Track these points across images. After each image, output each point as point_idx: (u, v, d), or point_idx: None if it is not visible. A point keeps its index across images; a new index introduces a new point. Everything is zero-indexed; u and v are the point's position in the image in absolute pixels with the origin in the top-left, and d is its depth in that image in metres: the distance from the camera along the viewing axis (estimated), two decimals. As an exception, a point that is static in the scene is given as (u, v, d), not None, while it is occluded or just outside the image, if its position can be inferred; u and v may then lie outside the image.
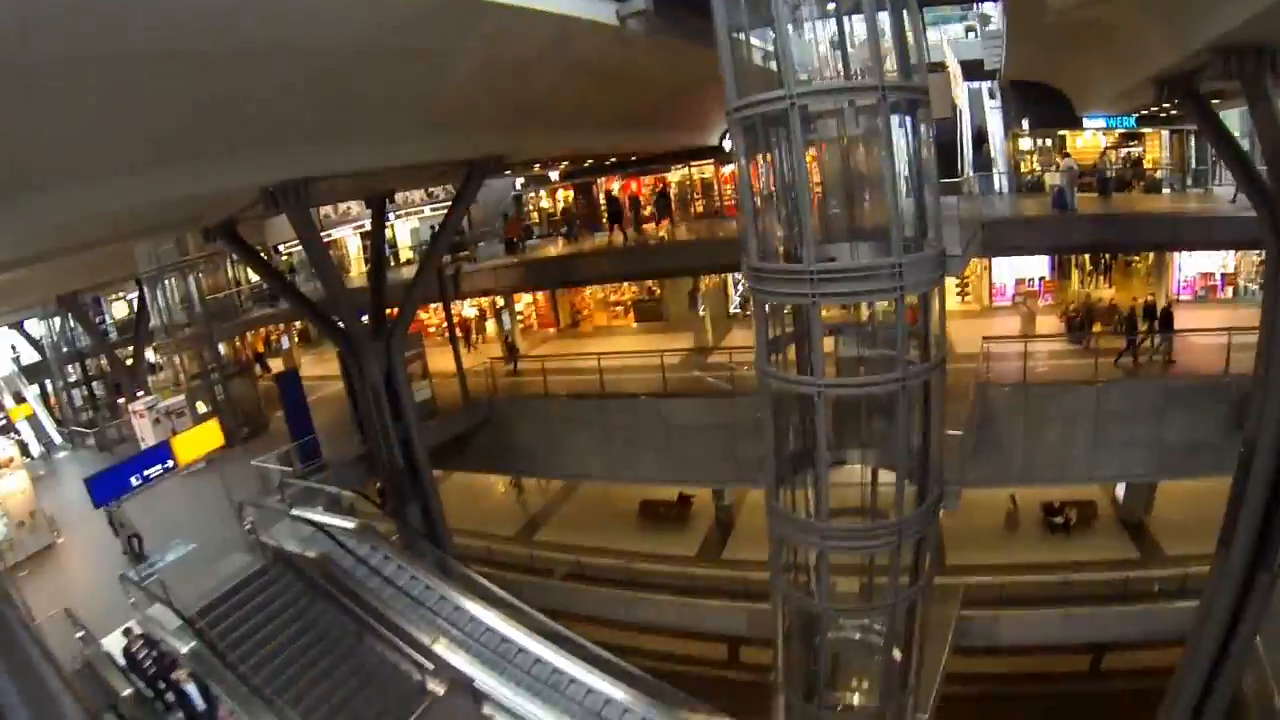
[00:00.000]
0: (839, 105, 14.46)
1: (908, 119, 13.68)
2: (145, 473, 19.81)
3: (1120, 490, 28.56)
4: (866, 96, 13.44)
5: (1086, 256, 34.21)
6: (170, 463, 20.27)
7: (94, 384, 46.70)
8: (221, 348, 32.43)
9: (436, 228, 43.32)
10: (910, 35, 13.53)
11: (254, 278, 37.77)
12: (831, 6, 14.97)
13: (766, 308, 15.12)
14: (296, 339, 48.73)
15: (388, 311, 23.45)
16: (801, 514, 15.84)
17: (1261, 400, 18.60)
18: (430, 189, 45.15)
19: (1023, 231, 28.81)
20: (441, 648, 15.72)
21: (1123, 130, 37.62)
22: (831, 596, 15.76)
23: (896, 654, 16.59)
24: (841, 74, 14.99)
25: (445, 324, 31.51)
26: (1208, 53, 15.95)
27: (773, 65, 14.77)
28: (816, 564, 15.72)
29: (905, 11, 13.12)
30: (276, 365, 41.40)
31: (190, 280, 31.96)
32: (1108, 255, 34.34)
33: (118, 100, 11.75)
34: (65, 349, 46.36)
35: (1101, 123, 37.08)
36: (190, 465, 21.83)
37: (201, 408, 30.34)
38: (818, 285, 13.46)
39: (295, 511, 19.82)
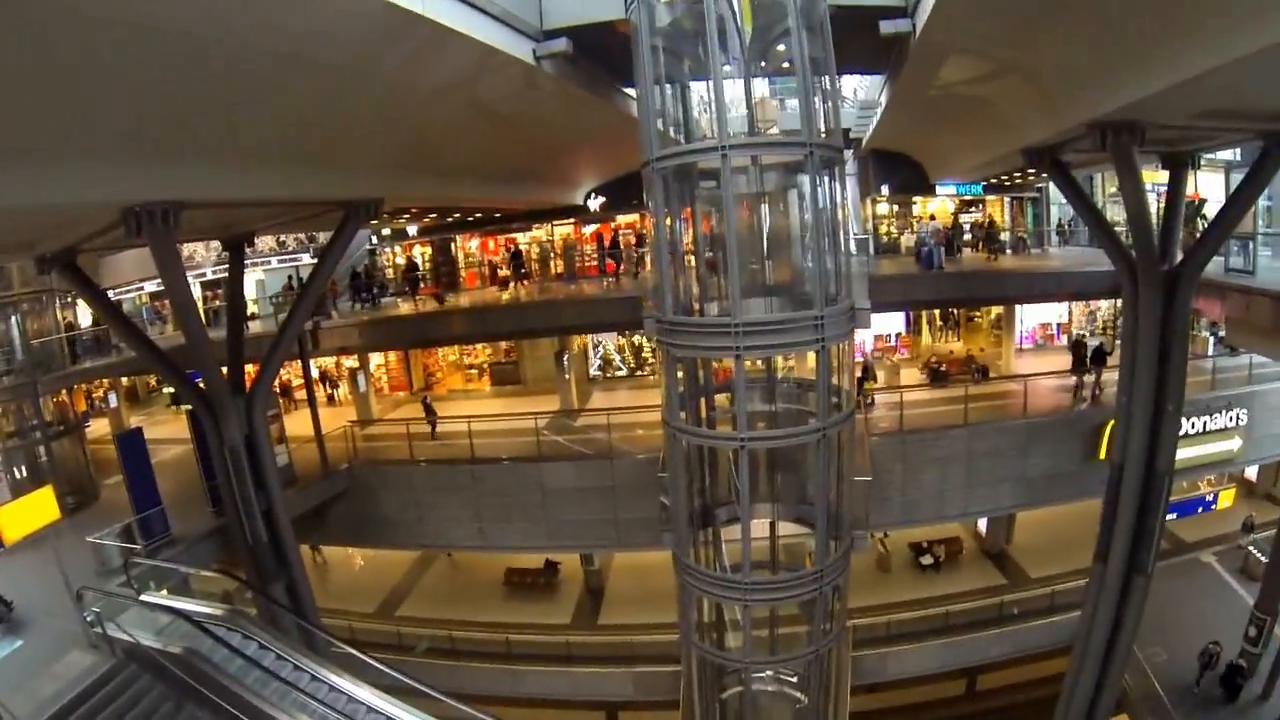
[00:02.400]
0: (753, 161, 15.02)
1: (826, 177, 14.02)
2: None
3: (982, 524, 30.46)
4: (794, 152, 14.10)
5: (936, 313, 37.18)
6: None
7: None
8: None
9: (291, 279, 41.42)
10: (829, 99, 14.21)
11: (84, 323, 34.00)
12: (761, 65, 15.85)
13: (677, 363, 15.22)
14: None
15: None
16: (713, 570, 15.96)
17: (1126, 427, 20.39)
18: (281, 238, 42.66)
19: (899, 287, 30.89)
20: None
21: (969, 197, 40.90)
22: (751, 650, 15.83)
23: (806, 698, 16.93)
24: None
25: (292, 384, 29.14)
26: (1082, 127, 16.91)
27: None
28: (739, 619, 15.65)
29: (827, 76, 13.90)
30: (101, 425, 37.48)
31: (13, 321, 28.27)
32: (955, 311, 37.36)
33: None
34: None
35: (952, 189, 40.12)
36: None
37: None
38: (743, 338, 13.45)
39: (148, 598, 17.38)
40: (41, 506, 17.59)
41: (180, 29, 10.72)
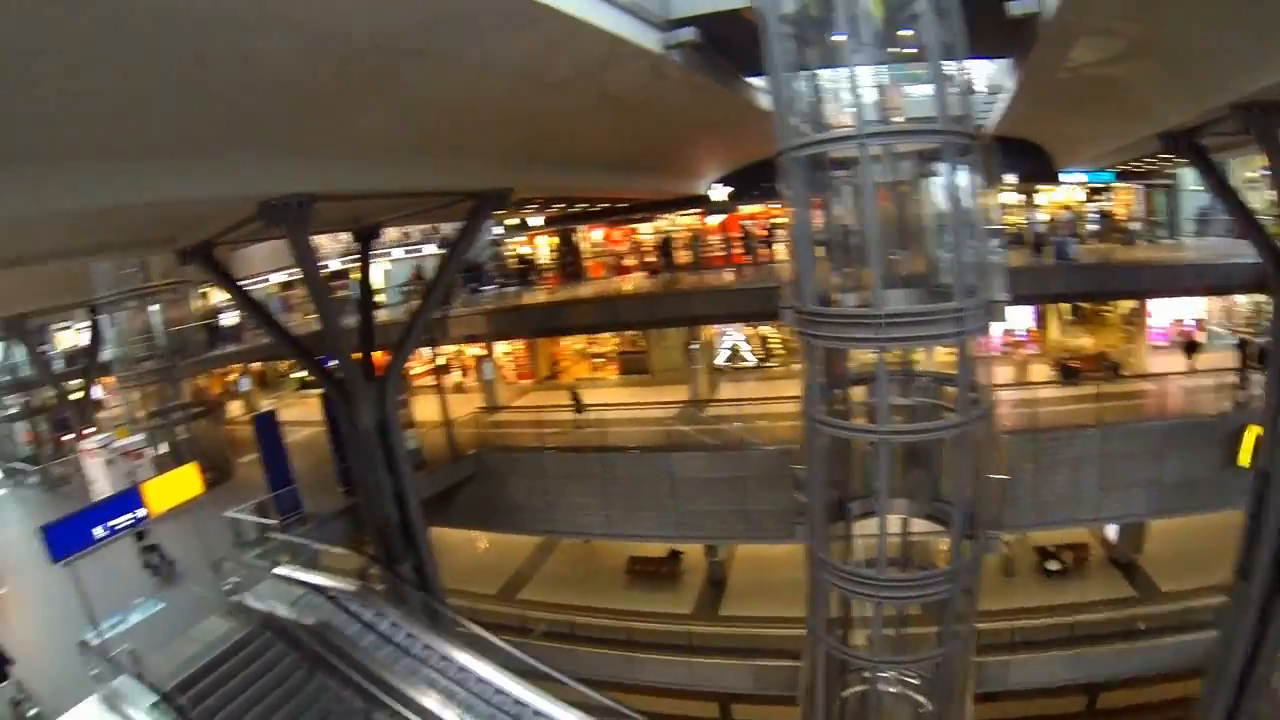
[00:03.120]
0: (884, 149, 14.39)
1: (962, 165, 13.51)
2: (110, 524, 16.55)
3: (1111, 531, 28.79)
4: (931, 139, 13.64)
5: (1065, 307, 35.45)
6: (141, 512, 17.14)
7: (38, 418, 43.49)
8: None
9: (418, 269, 42.01)
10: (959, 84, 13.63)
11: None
12: (890, 51, 14.72)
13: (816, 354, 14.87)
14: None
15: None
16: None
17: (1274, 433, 19.14)
18: (406, 229, 43.55)
19: (1028, 280, 29.34)
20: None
21: (1098, 184, 39.05)
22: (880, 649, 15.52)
23: (929, 702, 16.57)
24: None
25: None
26: (1225, 109, 16.11)
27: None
28: (868, 616, 15.48)
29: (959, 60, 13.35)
30: (234, 408, 39.01)
31: (153, 310, 29.70)
32: (1084, 305, 35.69)
33: (99, 74, 10.29)
34: (6, 378, 43.26)
35: (1081, 177, 38.28)
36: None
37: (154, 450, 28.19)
38: (885, 330, 13.16)
39: (283, 570, 18.10)
40: (186, 482, 18.09)
41: (325, 29, 11.02)
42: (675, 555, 30.15)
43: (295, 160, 15.34)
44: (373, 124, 15.28)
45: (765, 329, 35.58)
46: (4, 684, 15.19)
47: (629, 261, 39.95)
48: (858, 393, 16.28)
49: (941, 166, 13.94)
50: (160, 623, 17.44)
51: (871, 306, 13.27)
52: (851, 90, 13.19)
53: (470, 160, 19.66)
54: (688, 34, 16.01)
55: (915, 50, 13.98)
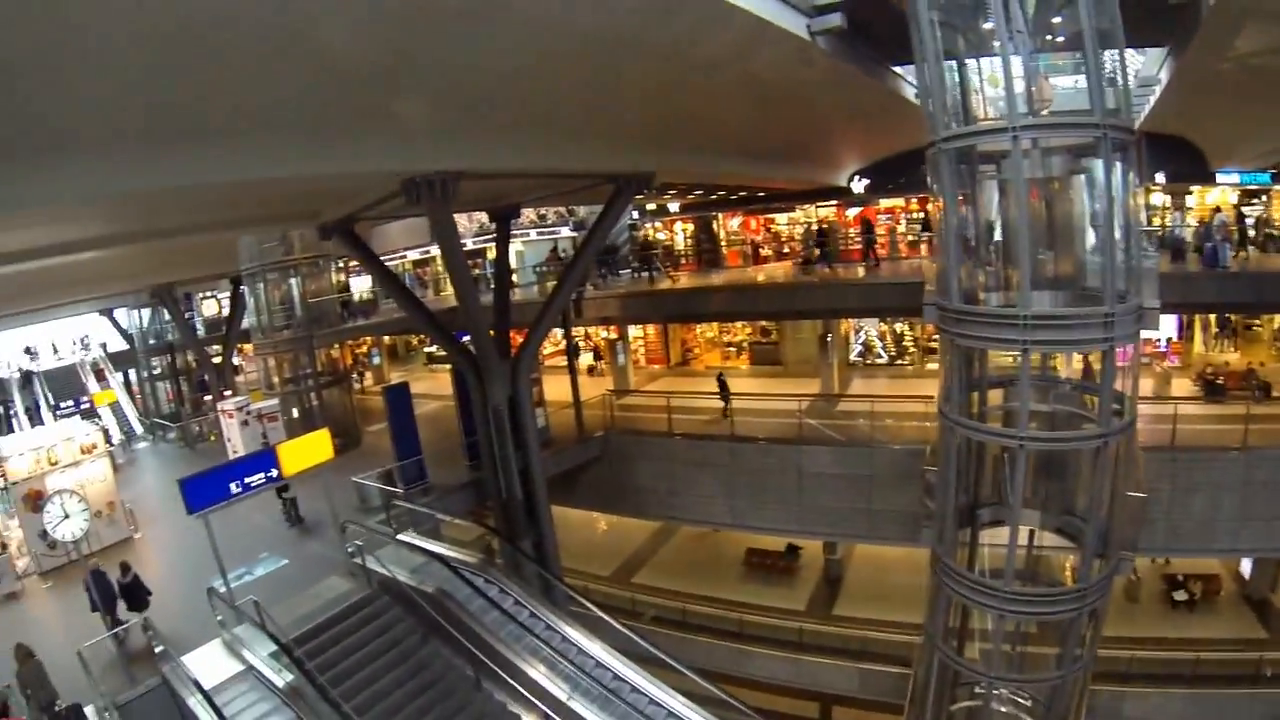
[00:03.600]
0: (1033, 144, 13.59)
1: (1117, 162, 12.89)
2: (246, 480, 17.29)
3: (1247, 565, 26.70)
4: (1086, 134, 13.04)
5: (1212, 318, 32.77)
6: (274, 472, 17.81)
7: (181, 379, 45.96)
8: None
9: (556, 248, 42.94)
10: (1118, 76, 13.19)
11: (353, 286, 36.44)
12: (1045, 40, 14.63)
13: (957, 353, 14.42)
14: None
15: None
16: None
17: None
18: (541, 211, 44.07)
19: (1176, 287, 26.76)
20: (580, 707, 13.70)
21: (1253, 186, 36.51)
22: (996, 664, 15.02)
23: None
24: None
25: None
26: None
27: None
28: (989, 628, 15.06)
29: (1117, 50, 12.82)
30: (366, 380, 40.40)
31: (293, 281, 30.97)
32: (1233, 317, 32.89)
33: (278, 56, 10.72)
34: (153, 341, 45.71)
35: (1235, 178, 35.81)
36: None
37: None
38: (1030, 332, 12.76)
39: (410, 538, 18.56)
40: (319, 446, 18.68)
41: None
42: (794, 550, 29.90)
43: (443, 139, 15.67)
44: (522, 105, 15.41)
45: (899, 325, 34.83)
46: (144, 612, 16.22)
47: (766, 251, 39.36)
48: (994, 396, 15.83)
49: (1094, 163, 13.36)
50: (284, 578, 18.27)
51: (1017, 307, 12.86)
52: (1004, 81, 12.71)
53: (615, 143, 19.82)
54: (834, 20, 15.70)
55: (1067, 39, 13.77)
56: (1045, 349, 13.89)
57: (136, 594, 16.81)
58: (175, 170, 12.15)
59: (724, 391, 28.22)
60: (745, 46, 15.31)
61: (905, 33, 14.32)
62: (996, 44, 14.18)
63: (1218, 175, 35.57)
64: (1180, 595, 25.84)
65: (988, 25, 14.31)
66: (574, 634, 15.53)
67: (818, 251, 34.03)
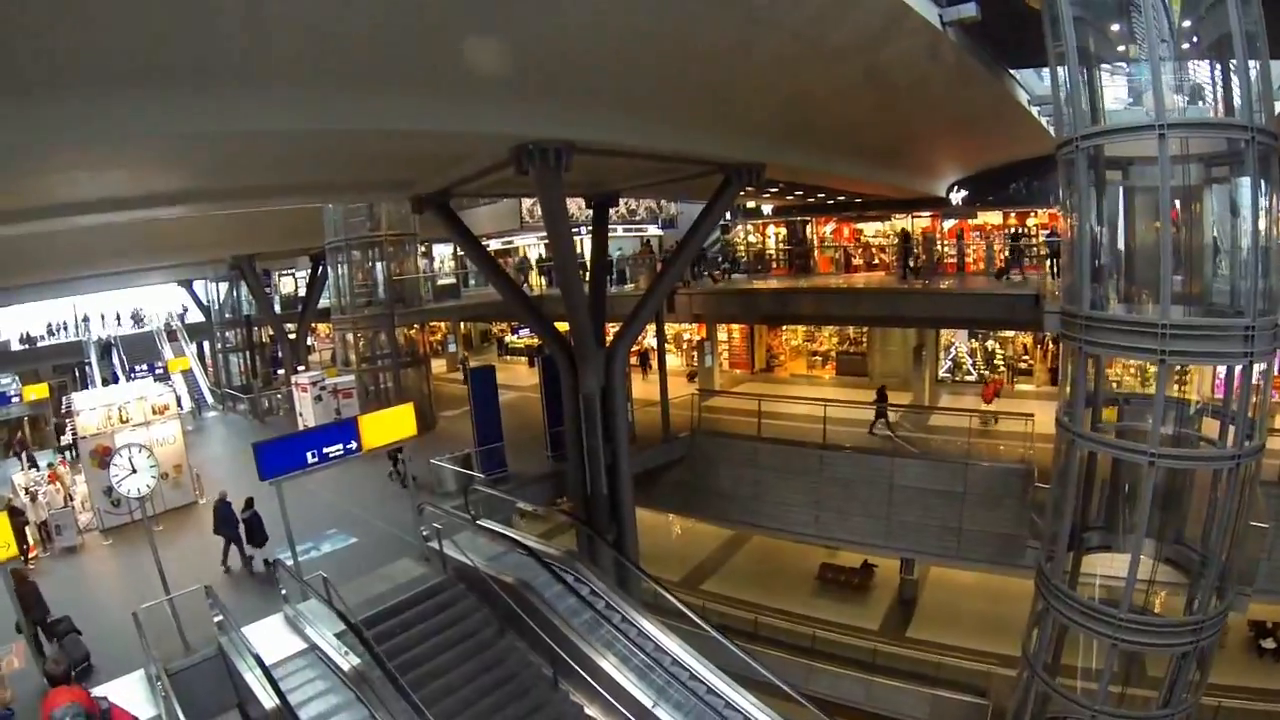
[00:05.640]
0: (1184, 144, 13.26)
1: (1262, 169, 12.72)
2: (324, 450, 16.47)
3: None
4: (1235, 136, 12.94)
5: None
6: (354, 444, 16.96)
7: (253, 353, 47.07)
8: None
9: (647, 241, 43.33)
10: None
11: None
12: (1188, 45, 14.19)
13: (1083, 364, 14.26)
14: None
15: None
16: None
17: None
18: (631, 205, 44.09)
19: None
20: (666, 716, 13.09)
21: None
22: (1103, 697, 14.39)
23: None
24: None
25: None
26: None
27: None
28: (1096, 657, 14.59)
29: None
30: (439, 366, 40.76)
31: (375, 256, 31.40)
32: None
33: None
34: (229, 314, 46.85)
35: None
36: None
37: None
38: (1169, 342, 12.49)
39: (492, 524, 18.18)
40: (403, 421, 18.41)
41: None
42: (868, 567, 29.41)
43: (561, 106, 15.38)
44: (636, 78, 15.11)
45: (990, 343, 34.27)
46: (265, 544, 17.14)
47: (858, 260, 38.94)
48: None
49: (1233, 171, 13.34)
50: (353, 557, 17.99)
51: (1156, 315, 12.64)
52: (1153, 78, 12.56)
53: (730, 130, 19.58)
54: (969, 9, 15.25)
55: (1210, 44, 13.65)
56: (1182, 360, 13.43)
57: (256, 529, 17.20)
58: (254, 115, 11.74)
59: (882, 403, 27.60)
60: (878, 32, 15.02)
61: (1025, 34, 14.85)
62: (1132, 46, 14.47)
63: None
64: (1268, 644, 24.34)
65: (1118, 27, 14.35)
66: (665, 640, 14.80)
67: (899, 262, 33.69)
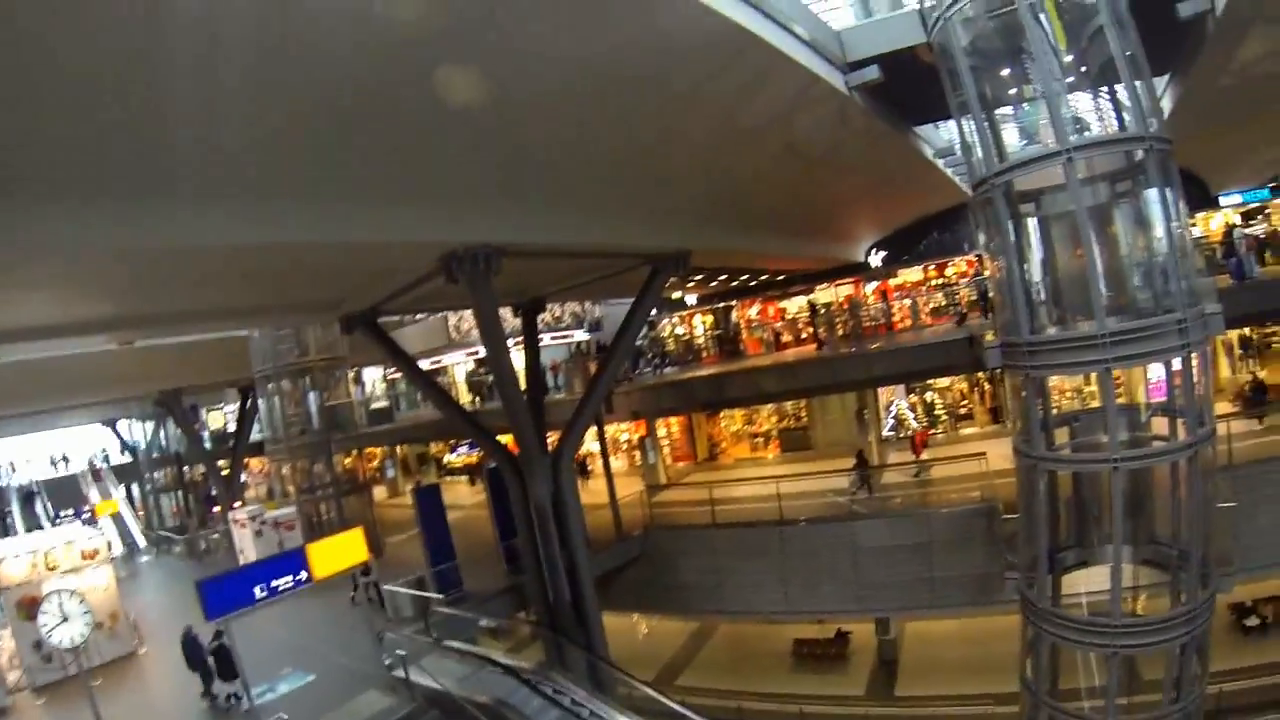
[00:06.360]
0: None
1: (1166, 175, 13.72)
2: (272, 584, 16.01)
3: None
4: (1136, 145, 13.75)
5: (1235, 338, 32.01)
6: (303, 574, 16.59)
7: (186, 492, 46.00)
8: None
9: (581, 345, 43.69)
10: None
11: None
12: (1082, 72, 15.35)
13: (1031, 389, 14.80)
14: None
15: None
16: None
17: None
18: (556, 313, 44.52)
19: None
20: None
21: (1253, 205, 36.91)
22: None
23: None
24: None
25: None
26: None
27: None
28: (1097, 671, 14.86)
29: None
30: (379, 492, 40.12)
31: (306, 384, 30.98)
32: (1254, 336, 32.56)
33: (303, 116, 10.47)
34: (157, 453, 45.90)
35: (1236, 199, 36.44)
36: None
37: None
38: (1111, 349, 13.10)
39: (461, 645, 17.88)
40: (352, 547, 17.93)
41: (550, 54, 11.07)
42: (843, 635, 29.21)
43: (486, 209, 15.57)
44: (571, 176, 15.57)
45: (929, 395, 34.80)
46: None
47: (786, 337, 39.45)
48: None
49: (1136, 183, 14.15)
50: (313, 695, 16.95)
51: (1095, 327, 13.15)
52: (1051, 110, 13.40)
53: (655, 218, 19.94)
54: (871, 73, 16.15)
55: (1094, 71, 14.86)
56: (1126, 364, 14.01)
57: (227, 661, 16.33)
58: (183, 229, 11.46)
59: (863, 468, 27.50)
60: (791, 103, 15.71)
61: (923, 92, 15.62)
62: (1023, 88, 15.55)
63: (1220, 199, 36.21)
64: (1253, 621, 24.55)
65: (1009, 71, 15.22)
66: None
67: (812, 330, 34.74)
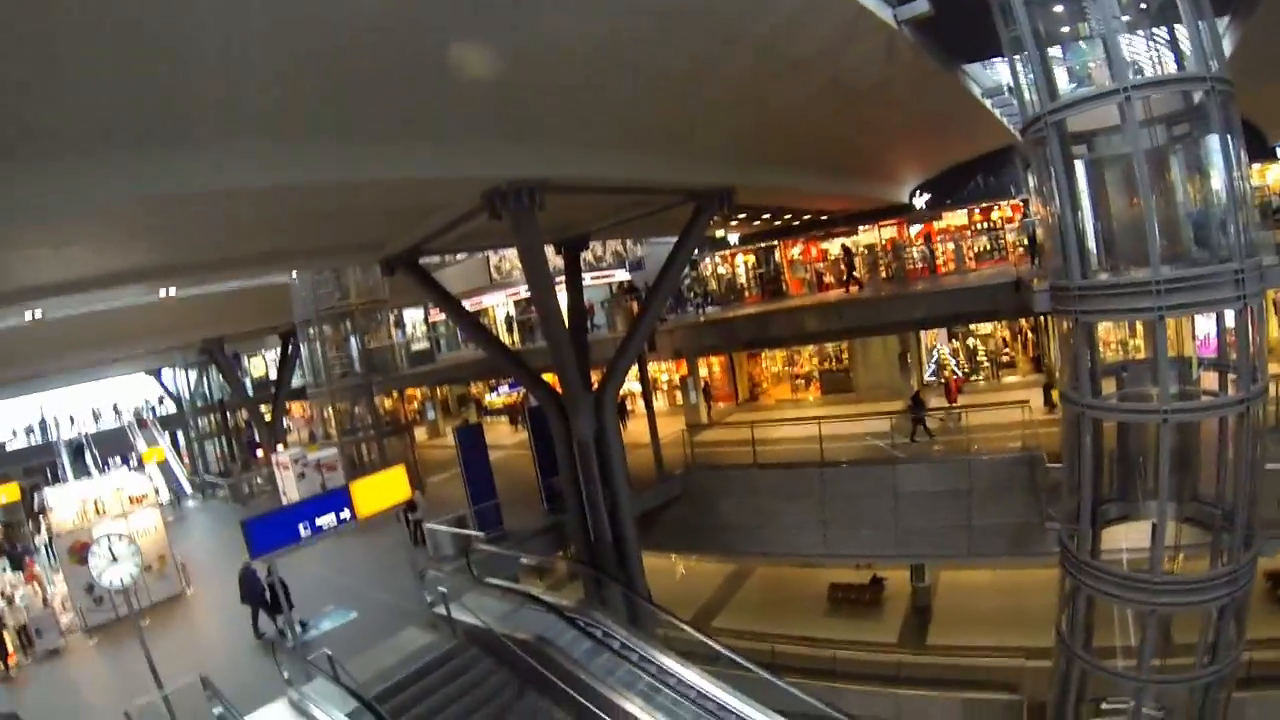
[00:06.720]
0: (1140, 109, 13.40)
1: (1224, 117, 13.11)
2: (316, 522, 16.46)
3: None
4: (1196, 86, 13.25)
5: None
6: (346, 513, 16.94)
7: (229, 438, 46.79)
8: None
9: (624, 283, 43.44)
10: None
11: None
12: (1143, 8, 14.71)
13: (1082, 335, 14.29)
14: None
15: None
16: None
17: None
18: (598, 253, 44.39)
19: None
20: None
21: None
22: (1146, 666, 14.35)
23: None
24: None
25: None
26: None
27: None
28: (1137, 626, 14.52)
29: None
30: (419, 435, 40.47)
31: (348, 327, 31.33)
32: None
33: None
34: (200, 402, 46.57)
35: None
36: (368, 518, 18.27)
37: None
38: (1165, 297, 12.72)
39: (502, 582, 17.95)
40: (395, 485, 18.11)
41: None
42: (878, 581, 29.23)
43: (528, 144, 15.39)
44: (616, 108, 15.25)
45: (971, 340, 34.51)
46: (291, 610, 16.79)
47: (829, 279, 39.08)
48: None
49: (1195, 127, 13.70)
50: (356, 632, 17.19)
51: (1149, 273, 12.76)
52: (1109, 46, 12.94)
53: (699, 154, 19.67)
54: (921, 6, 15.57)
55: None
56: (1180, 312, 13.53)
57: (280, 596, 16.64)
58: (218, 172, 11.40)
59: (919, 410, 27.20)
60: (838, 38, 15.33)
61: (974, 29, 15.25)
62: (1078, 25, 15.13)
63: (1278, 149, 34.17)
64: None
65: (1063, 7, 14.69)
66: (708, 685, 14.61)
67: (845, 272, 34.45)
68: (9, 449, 49.79)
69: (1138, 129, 12.66)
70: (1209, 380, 14.64)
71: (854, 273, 34.31)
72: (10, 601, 21.35)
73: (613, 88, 14.40)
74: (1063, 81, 16.09)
